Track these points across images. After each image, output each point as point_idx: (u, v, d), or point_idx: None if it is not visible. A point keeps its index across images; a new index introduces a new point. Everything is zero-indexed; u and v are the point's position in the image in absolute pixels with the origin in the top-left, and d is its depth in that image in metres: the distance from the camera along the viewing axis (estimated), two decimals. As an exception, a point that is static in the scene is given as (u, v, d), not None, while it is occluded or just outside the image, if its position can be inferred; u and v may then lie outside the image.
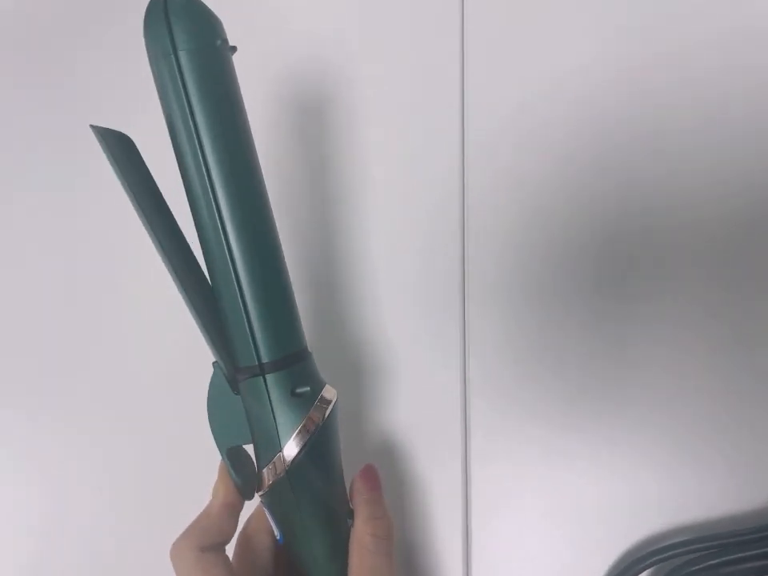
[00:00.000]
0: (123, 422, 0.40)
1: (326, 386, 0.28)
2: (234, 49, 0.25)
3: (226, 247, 0.25)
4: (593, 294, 0.33)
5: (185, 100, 0.24)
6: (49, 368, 0.42)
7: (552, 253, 0.34)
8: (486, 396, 0.34)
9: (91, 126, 0.24)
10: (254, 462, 0.28)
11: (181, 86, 0.24)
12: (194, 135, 0.24)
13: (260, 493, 0.27)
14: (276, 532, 0.28)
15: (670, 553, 0.29)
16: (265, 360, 0.26)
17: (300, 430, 0.26)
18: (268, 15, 0.41)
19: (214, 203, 0.25)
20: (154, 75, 0.25)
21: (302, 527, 0.27)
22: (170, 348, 0.39)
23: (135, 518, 0.38)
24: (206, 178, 0.24)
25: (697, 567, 0.29)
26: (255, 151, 0.26)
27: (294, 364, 0.26)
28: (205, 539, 0.26)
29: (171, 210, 0.26)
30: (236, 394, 0.27)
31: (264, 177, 0.26)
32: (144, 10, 0.24)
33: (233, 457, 0.27)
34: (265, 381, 0.26)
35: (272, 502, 0.27)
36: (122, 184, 0.25)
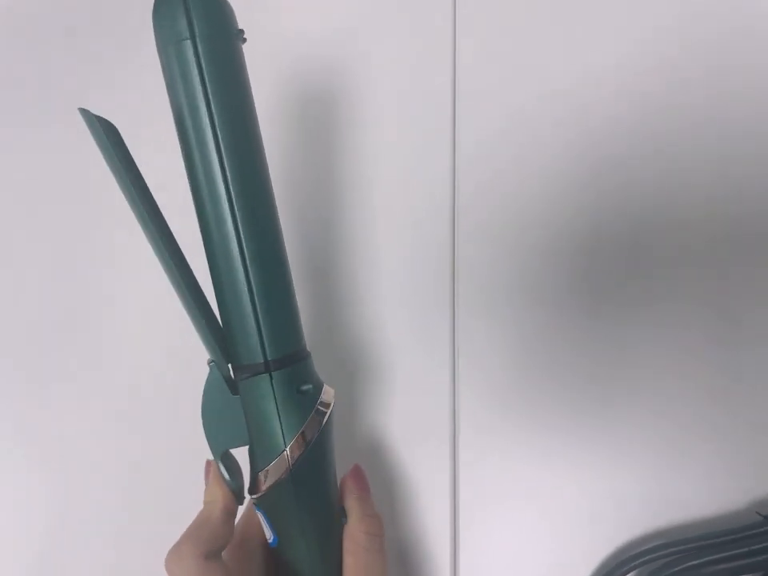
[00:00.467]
0: (122, 421, 0.39)
1: (324, 385, 0.27)
2: (245, 39, 0.25)
3: (237, 241, 0.24)
4: (581, 295, 0.34)
5: (202, 88, 0.23)
6: (47, 368, 0.42)
7: (541, 255, 0.35)
8: (476, 397, 0.34)
9: (79, 108, 0.23)
10: (238, 466, 0.28)
11: (198, 73, 0.23)
12: (211, 125, 0.23)
13: (256, 495, 0.26)
14: (269, 535, 0.27)
15: (650, 556, 0.30)
16: (271, 357, 0.25)
17: (305, 428, 0.25)
18: (261, 16, 0.41)
19: (227, 195, 0.24)
20: (164, 61, 0.24)
21: (300, 528, 0.26)
22: (167, 346, 0.39)
23: (134, 518, 0.38)
24: (221, 170, 0.24)
25: (677, 569, 0.29)
26: (263, 146, 0.26)
27: (298, 362, 0.26)
28: (208, 546, 0.25)
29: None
30: (233, 395, 0.26)
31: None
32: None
33: (226, 460, 0.27)
34: (271, 378, 0.25)
35: (270, 503, 0.26)
36: (111, 167, 0.24)
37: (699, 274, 0.33)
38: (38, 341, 0.42)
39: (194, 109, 0.23)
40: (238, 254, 0.24)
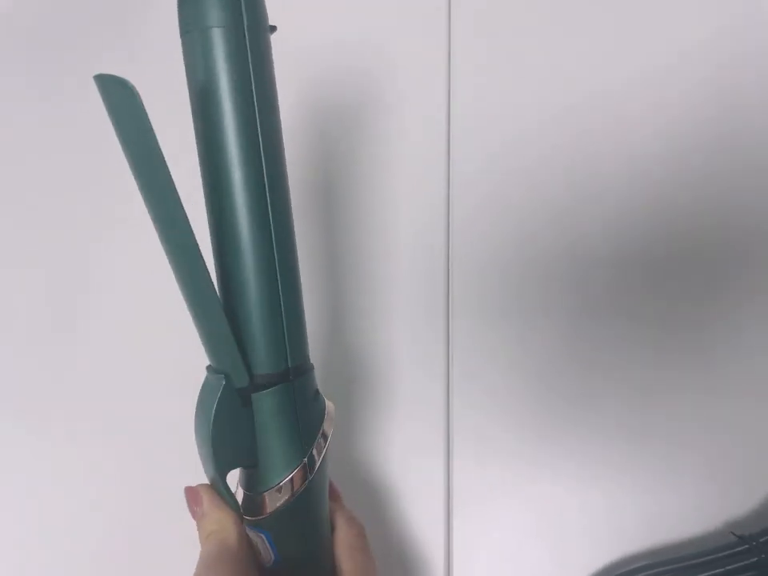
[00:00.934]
0: (121, 424, 0.40)
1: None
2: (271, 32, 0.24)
3: (269, 247, 0.23)
4: (575, 309, 0.36)
5: (246, 79, 0.22)
6: (45, 370, 0.42)
7: (535, 268, 0.36)
8: (470, 408, 0.36)
9: (95, 76, 0.21)
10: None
11: (245, 63, 0.22)
12: (254, 118, 0.22)
13: (263, 516, 0.25)
14: (270, 556, 0.26)
15: None
16: (291, 365, 0.24)
17: (320, 437, 0.25)
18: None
19: (265, 197, 0.23)
20: (198, 46, 0.22)
21: (305, 543, 0.26)
22: (172, 351, 0.39)
23: (135, 519, 0.38)
24: (263, 168, 0.22)
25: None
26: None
27: (310, 370, 0.26)
28: None
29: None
30: (244, 407, 0.24)
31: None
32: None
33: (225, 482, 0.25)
34: (293, 386, 0.24)
35: (280, 521, 0.25)
36: (121, 143, 0.21)
37: (684, 294, 0.35)
38: (38, 341, 0.42)
39: (235, 100, 0.22)
40: (273, 261, 0.23)
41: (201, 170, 0.24)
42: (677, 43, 0.37)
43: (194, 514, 0.26)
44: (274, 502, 0.24)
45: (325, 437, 0.26)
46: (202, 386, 0.24)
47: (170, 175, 0.21)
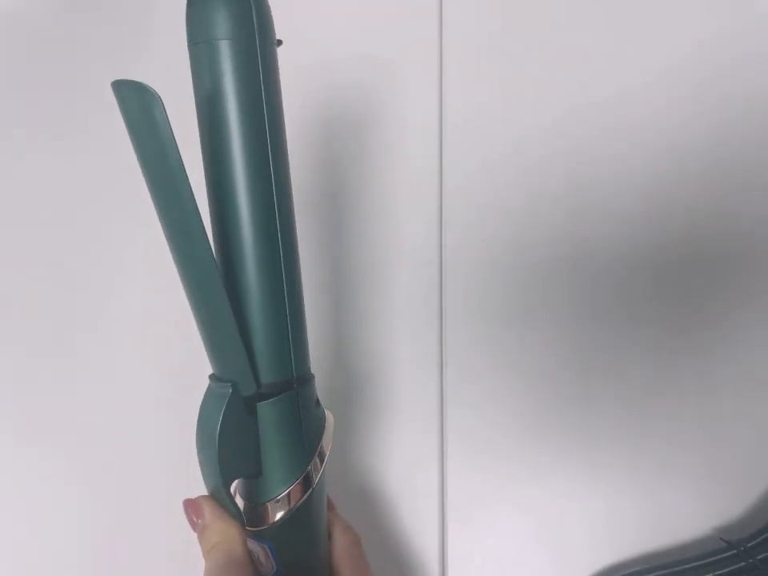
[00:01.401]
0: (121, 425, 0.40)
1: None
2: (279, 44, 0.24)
3: (277, 258, 0.23)
4: (569, 313, 0.36)
5: (257, 92, 0.22)
6: (45, 370, 0.42)
7: (528, 272, 0.37)
8: (466, 411, 0.36)
9: (112, 83, 0.20)
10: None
11: (256, 76, 0.22)
12: (264, 131, 0.22)
13: (266, 526, 0.25)
14: (273, 565, 0.26)
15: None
16: (296, 374, 0.24)
17: (322, 446, 0.25)
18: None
19: (274, 211, 0.23)
20: (207, 57, 0.22)
21: (307, 552, 0.26)
22: (172, 351, 0.40)
23: (135, 519, 0.38)
24: (272, 182, 0.23)
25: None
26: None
27: (312, 378, 0.26)
28: None
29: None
30: (249, 416, 0.24)
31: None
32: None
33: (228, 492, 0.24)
34: (297, 394, 0.24)
35: (284, 531, 0.25)
36: (139, 159, 0.20)
37: (683, 296, 0.36)
38: (38, 341, 0.43)
39: (245, 113, 0.22)
40: (280, 270, 0.23)
41: (206, 180, 0.24)
42: (675, 49, 0.38)
43: (195, 526, 0.25)
44: (276, 512, 0.24)
45: (325, 446, 0.26)
46: (206, 395, 0.24)
47: (192, 193, 0.20)
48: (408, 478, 0.36)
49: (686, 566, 0.31)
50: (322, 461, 0.25)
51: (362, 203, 0.40)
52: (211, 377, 0.25)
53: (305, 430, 0.25)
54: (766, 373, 0.34)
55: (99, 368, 0.41)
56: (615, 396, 0.35)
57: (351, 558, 0.27)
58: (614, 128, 0.38)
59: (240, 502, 0.26)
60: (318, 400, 0.27)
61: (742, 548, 0.31)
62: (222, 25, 0.21)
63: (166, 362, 0.40)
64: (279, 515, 0.24)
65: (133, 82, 0.19)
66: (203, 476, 0.25)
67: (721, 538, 0.32)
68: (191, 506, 0.25)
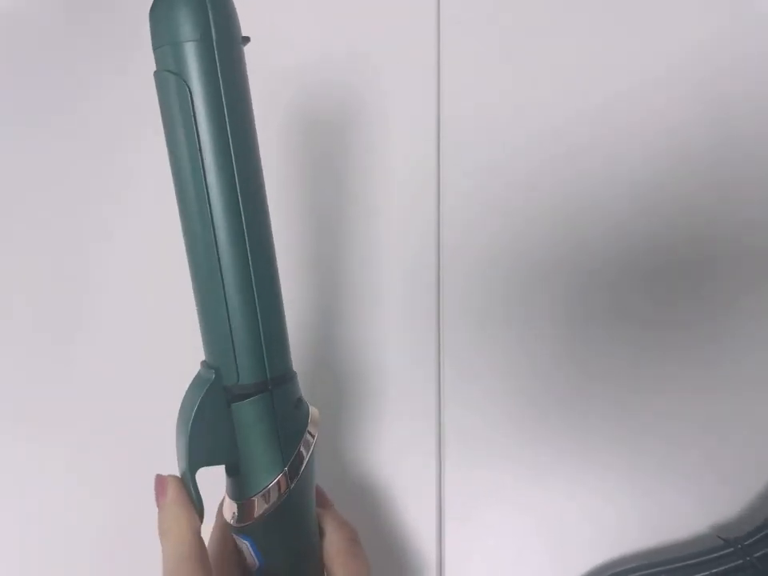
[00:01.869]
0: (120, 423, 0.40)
1: (308, 403, 0.28)
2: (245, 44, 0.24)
3: (244, 262, 0.24)
4: (567, 313, 0.37)
5: (216, 92, 0.22)
6: (45, 370, 0.42)
7: (525, 273, 0.37)
8: (464, 411, 0.37)
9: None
10: None
11: (214, 76, 0.22)
12: (226, 134, 0.23)
13: (247, 523, 0.25)
14: (254, 561, 0.27)
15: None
16: (270, 376, 0.25)
17: (301, 447, 0.26)
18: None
19: (238, 206, 0.23)
20: (169, 60, 0.22)
21: (291, 549, 0.26)
22: (173, 351, 0.39)
23: (134, 519, 0.38)
24: (235, 180, 0.23)
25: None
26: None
27: (291, 380, 0.26)
28: None
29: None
30: (228, 408, 0.25)
31: None
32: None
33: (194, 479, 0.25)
34: (272, 395, 0.25)
35: (263, 528, 0.26)
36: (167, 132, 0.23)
37: (682, 297, 0.36)
38: (38, 341, 0.43)
39: (208, 116, 0.22)
40: (249, 275, 0.24)
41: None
42: (675, 49, 0.38)
43: (158, 503, 0.25)
44: (255, 509, 0.25)
45: (308, 445, 0.26)
46: (193, 379, 0.25)
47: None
48: (407, 477, 0.36)
49: (683, 564, 0.31)
50: (302, 461, 0.26)
51: (360, 203, 0.40)
52: (202, 363, 0.26)
53: (281, 430, 0.25)
54: (764, 373, 0.34)
55: (99, 368, 0.41)
56: (614, 396, 0.35)
57: (345, 554, 0.27)
58: (614, 128, 0.38)
59: (227, 499, 0.27)
60: (300, 398, 0.27)
61: (740, 546, 0.31)
62: (178, 27, 0.22)
63: (166, 362, 0.40)
64: (256, 513, 0.25)
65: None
66: (177, 457, 0.25)
67: (718, 536, 0.32)
68: (158, 482, 0.26)
